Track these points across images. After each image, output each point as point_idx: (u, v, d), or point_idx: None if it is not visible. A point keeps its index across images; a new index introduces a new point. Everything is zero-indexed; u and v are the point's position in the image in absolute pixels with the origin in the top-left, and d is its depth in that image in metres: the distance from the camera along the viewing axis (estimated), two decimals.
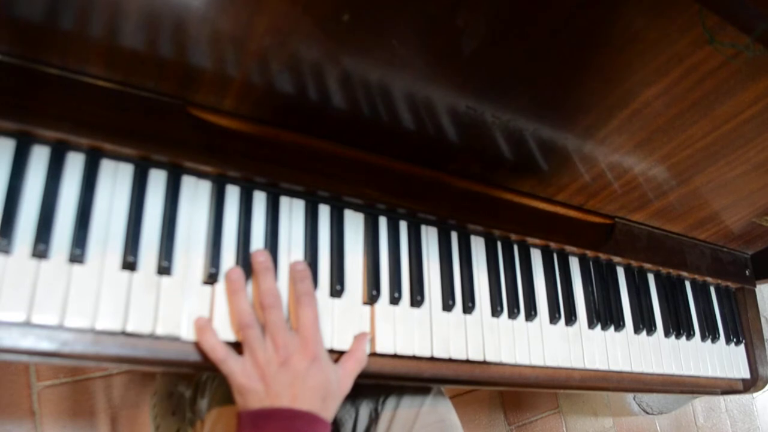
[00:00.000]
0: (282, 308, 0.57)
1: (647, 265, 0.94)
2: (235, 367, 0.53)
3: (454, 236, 0.75)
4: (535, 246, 0.83)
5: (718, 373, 0.99)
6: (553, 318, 0.80)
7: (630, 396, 1.78)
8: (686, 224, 0.93)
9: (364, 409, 0.78)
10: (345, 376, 0.59)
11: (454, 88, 0.60)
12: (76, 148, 0.53)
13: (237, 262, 0.58)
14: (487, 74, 0.58)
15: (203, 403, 0.76)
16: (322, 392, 0.55)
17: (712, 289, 1.06)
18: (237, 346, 0.55)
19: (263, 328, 0.55)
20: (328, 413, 0.55)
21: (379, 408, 0.78)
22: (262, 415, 0.52)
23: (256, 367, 0.53)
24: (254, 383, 0.53)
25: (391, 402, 0.78)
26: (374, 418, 0.77)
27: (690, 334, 0.97)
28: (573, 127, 0.67)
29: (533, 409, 1.58)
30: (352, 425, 0.77)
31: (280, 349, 0.54)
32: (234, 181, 0.61)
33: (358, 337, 0.62)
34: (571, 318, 0.82)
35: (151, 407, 0.89)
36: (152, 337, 0.52)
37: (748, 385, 1.05)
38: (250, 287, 0.58)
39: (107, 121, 0.53)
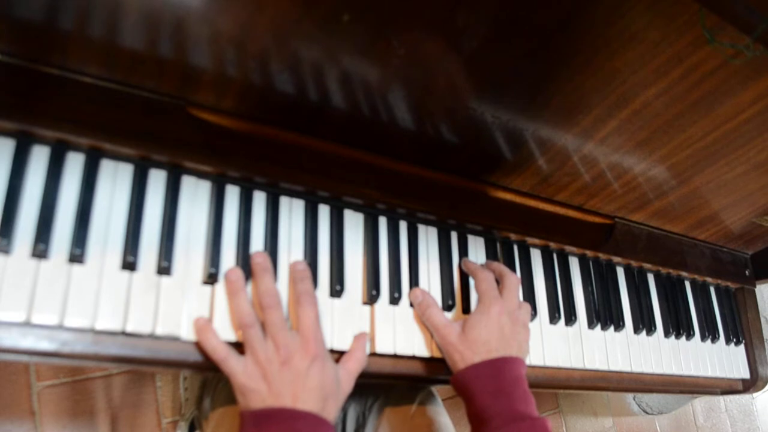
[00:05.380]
0: (281, 308, 0.57)
1: (647, 265, 0.94)
2: (236, 367, 0.53)
3: (453, 236, 0.75)
4: (535, 246, 0.83)
5: (718, 373, 0.99)
6: (553, 318, 0.80)
7: (630, 396, 1.78)
8: (686, 224, 0.93)
9: (352, 413, 0.78)
10: (346, 376, 0.59)
11: (454, 89, 0.60)
12: (76, 148, 0.53)
13: (237, 262, 0.58)
14: (486, 74, 0.58)
15: (208, 402, 0.76)
16: (324, 392, 0.55)
17: (712, 289, 1.06)
18: (237, 347, 0.55)
19: (263, 328, 0.56)
20: (330, 414, 0.55)
21: (367, 411, 0.77)
22: (264, 415, 0.52)
23: (258, 366, 0.53)
24: (255, 383, 0.53)
25: (378, 404, 0.77)
26: (362, 423, 0.77)
27: (690, 334, 0.97)
28: (573, 127, 0.67)
29: None
30: (341, 429, 0.77)
31: (281, 349, 0.54)
32: (234, 181, 0.60)
33: (358, 337, 0.62)
34: (570, 318, 0.82)
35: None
36: (152, 337, 0.52)
37: (748, 385, 1.05)
38: (251, 287, 0.58)
39: (107, 121, 0.53)
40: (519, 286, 0.73)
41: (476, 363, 0.63)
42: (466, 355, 0.64)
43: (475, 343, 0.64)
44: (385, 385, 0.79)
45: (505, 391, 0.61)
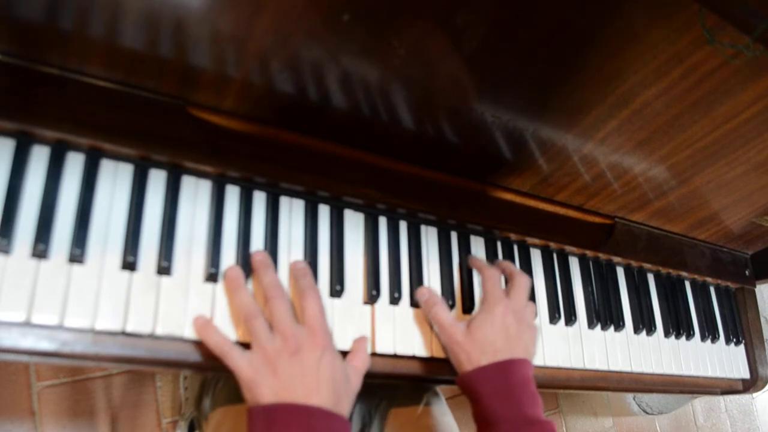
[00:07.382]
0: (287, 299, 0.56)
1: (647, 265, 0.94)
2: (241, 361, 0.51)
3: (453, 236, 0.75)
4: (535, 246, 0.83)
5: (718, 373, 0.99)
6: (553, 318, 0.80)
7: (630, 396, 1.78)
8: (686, 224, 0.93)
9: (357, 413, 0.78)
10: (354, 373, 0.57)
11: (454, 89, 0.60)
12: (76, 148, 0.53)
13: (237, 262, 0.58)
14: (487, 74, 0.58)
15: (207, 403, 0.76)
16: (336, 386, 0.53)
17: (712, 289, 1.06)
18: (241, 347, 0.55)
19: (269, 321, 0.54)
20: (344, 409, 0.53)
21: (372, 411, 0.77)
22: (275, 409, 0.50)
23: (265, 358, 0.51)
24: (263, 376, 0.51)
25: (384, 406, 0.77)
26: (367, 422, 0.77)
27: (690, 335, 0.97)
28: (573, 127, 0.67)
29: None
30: None
31: (290, 339, 0.52)
32: (234, 181, 0.60)
33: (359, 340, 0.62)
34: (570, 318, 0.82)
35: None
36: (152, 337, 0.52)
37: (748, 385, 1.05)
38: (250, 287, 0.58)
39: (107, 121, 0.53)
40: (528, 286, 0.71)
41: (483, 365, 0.62)
42: (472, 355, 0.63)
43: (481, 343, 0.63)
44: (390, 386, 0.79)
45: (513, 394, 0.60)
